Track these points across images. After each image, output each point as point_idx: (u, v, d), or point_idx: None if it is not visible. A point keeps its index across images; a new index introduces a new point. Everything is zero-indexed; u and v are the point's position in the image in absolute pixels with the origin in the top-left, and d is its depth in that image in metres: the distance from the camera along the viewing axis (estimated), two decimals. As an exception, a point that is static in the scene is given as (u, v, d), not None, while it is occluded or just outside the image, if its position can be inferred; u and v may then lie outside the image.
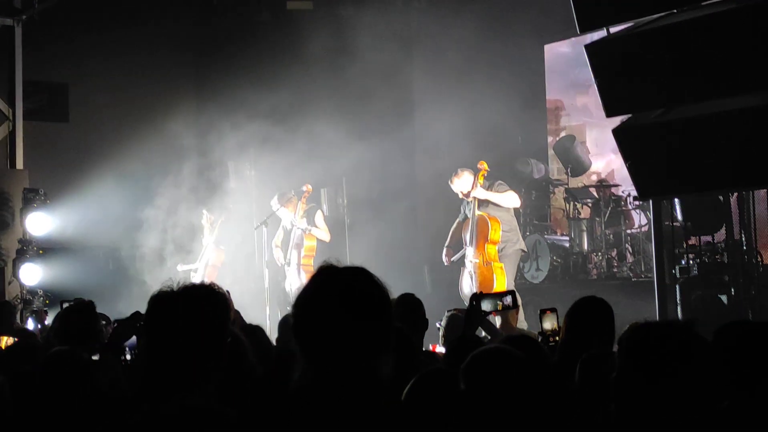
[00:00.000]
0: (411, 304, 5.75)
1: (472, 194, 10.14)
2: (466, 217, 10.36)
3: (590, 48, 6.68)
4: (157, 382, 2.56)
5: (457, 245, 10.51)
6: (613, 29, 6.95)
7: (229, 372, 2.61)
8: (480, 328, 5.60)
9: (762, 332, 2.44)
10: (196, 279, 12.69)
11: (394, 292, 5.91)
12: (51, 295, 12.31)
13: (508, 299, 5.04)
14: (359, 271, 2.40)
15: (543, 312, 5.02)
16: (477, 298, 5.02)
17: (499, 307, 5.07)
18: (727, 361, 2.43)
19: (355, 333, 2.30)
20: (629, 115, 6.91)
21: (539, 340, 4.99)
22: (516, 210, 10.73)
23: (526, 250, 10.99)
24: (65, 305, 5.12)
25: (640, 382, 2.41)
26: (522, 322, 9.18)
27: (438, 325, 6.53)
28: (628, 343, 2.51)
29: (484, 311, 5.03)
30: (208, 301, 2.64)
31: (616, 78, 6.66)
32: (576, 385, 3.17)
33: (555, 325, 4.97)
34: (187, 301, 2.61)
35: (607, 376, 2.63)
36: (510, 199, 10.23)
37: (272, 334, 6.35)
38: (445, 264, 10.60)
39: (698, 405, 2.32)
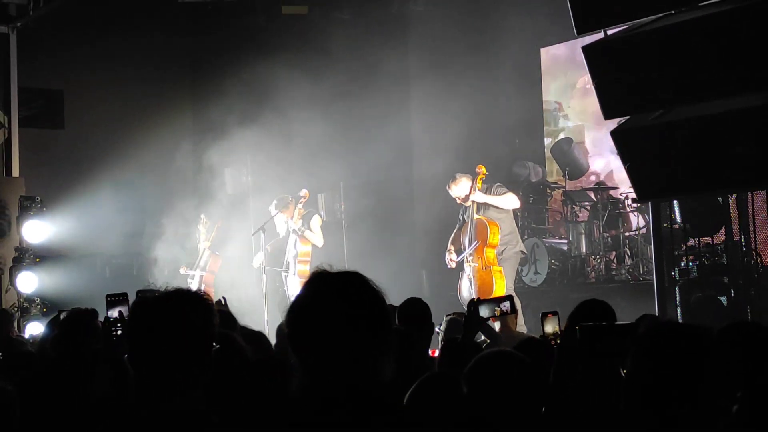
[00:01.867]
0: (417, 308, 5.72)
1: (471, 198, 10.10)
2: (464, 222, 10.33)
3: (588, 50, 6.66)
4: (141, 388, 2.53)
5: (458, 253, 10.45)
6: (611, 31, 6.93)
7: (226, 377, 2.58)
8: (481, 333, 5.57)
9: (765, 331, 2.41)
10: (193, 285, 12.67)
11: (393, 298, 5.90)
12: (48, 303, 12.25)
13: (507, 305, 5.00)
14: (353, 275, 2.36)
15: (545, 315, 4.98)
16: (475, 304, 4.98)
17: (497, 313, 5.04)
18: (731, 362, 2.40)
19: (352, 339, 2.26)
20: (627, 117, 6.89)
21: (540, 343, 4.96)
22: (514, 213, 10.70)
23: (525, 252, 10.95)
24: (63, 314, 5.06)
25: (653, 383, 2.38)
26: (521, 326, 9.13)
27: (437, 330, 6.51)
28: (648, 341, 2.46)
29: (482, 317, 4.99)
30: (191, 306, 2.60)
31: (614, 80, 6.63)
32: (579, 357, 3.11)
33: (557, 329, 4.93)
34: (169, 306, 2.57)
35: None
36: (509, 201, 10.19)
37: (270, 340, 6.31)
38: (451, 267, 10.46)
39: (709, 411, 2.29)
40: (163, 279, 13.28)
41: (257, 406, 3.09)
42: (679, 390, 2.32)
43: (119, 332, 3.91)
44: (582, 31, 6.87)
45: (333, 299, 2.29)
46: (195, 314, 2.58)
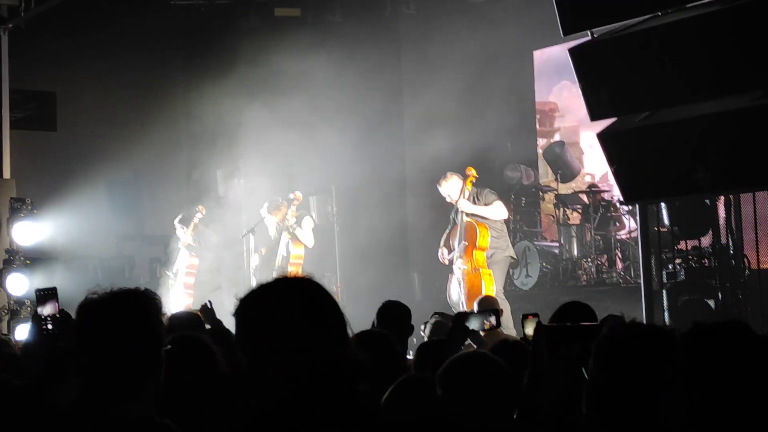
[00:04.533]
0: (395, 310, 5.71)
1: (458, 206, 10.06)
2: (454, 224, 10.30)
3: (574, 51, 6.65)
4: (90, 394, 2.48)
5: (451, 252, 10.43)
6: (597, 32, 6.92)
7: (188, 379, 2.53)
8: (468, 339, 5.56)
9: (719, 332, 2.37)
10: (176, 285, 12.67)
11: (383, 299, 5.87)
12: (39, 306, 12.20)
13: (493, 319, 5.00)
14: (304, 281, 2.29)
15: (525, 317, 4.95)
16: (462, 316, 4.96)
17: (487, 327, 5.02)
18: (689, 364, 2.37)
19: (291, 343, 2.20)
20: (614, 119, 6.88)
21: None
22: (505, 216, 10.67)
23: (515, 257, 10.92)
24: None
25: (614, 387, 2.36)
26: (510, 330, 9.11)
27: (422, 332, 6.49)
28: (606, 344, 2.44)
29: (469, 329, 4.98)
30: (136, 308, 2.53)
31: (601, 81, 6.63)
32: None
33: (537, 330, 4.90)
34: (113, 308, 2.51)
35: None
36: (496, 212, 10.11)
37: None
38: (444, 263, 10.39)
39: (668, 414, 2.27)
40: (154, 281, 13.28)
41: (221, 409, 3.06)
42: (637, 393, 2.30)
43: (50, 327, 3.86)
44: (568, 33, 6.86)
45: (273, 303, 2.25)
46: (141, 316, 2.52)
